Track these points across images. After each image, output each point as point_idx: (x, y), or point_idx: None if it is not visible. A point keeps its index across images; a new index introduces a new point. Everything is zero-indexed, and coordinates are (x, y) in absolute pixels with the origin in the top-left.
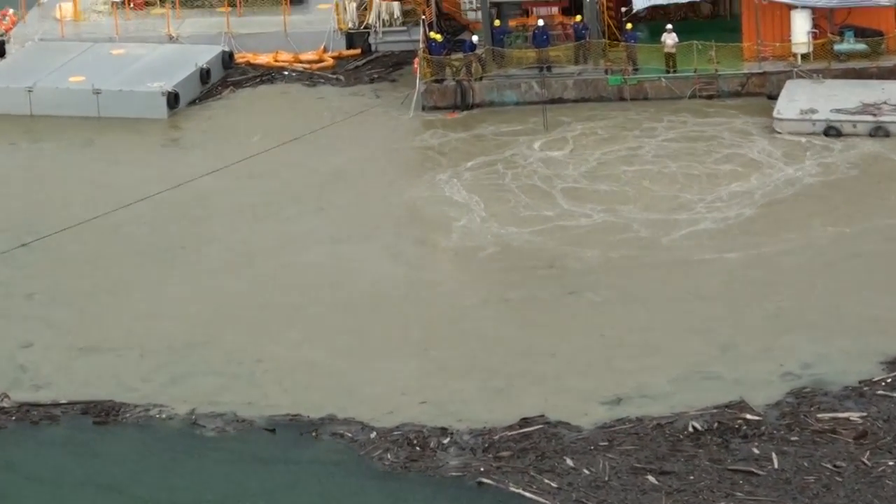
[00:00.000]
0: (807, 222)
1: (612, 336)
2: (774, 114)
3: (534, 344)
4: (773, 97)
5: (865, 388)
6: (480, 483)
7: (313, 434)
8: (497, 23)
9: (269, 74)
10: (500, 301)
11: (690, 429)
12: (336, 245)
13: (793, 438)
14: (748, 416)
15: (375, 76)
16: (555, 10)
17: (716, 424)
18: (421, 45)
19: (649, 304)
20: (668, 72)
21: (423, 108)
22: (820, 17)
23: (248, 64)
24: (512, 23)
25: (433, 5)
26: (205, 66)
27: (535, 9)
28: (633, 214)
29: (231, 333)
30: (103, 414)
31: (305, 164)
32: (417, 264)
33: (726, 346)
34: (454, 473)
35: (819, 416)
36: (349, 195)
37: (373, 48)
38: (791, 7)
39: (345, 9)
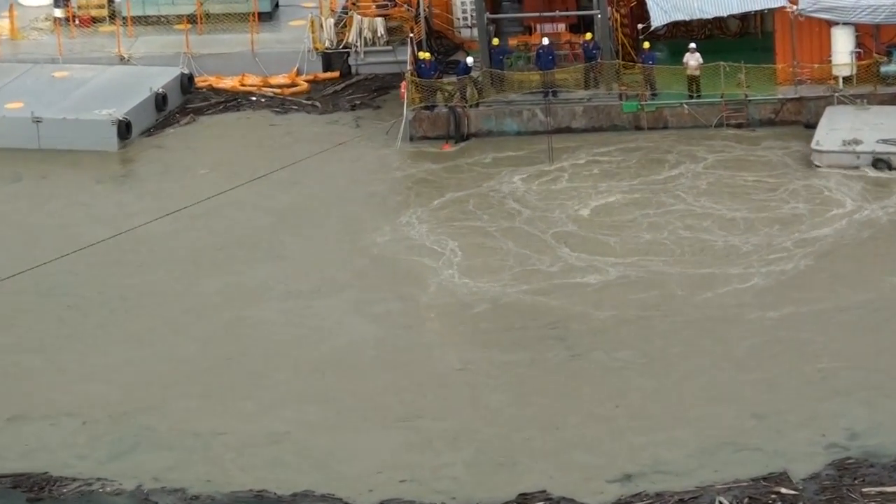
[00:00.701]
0: (866, 274)
1: (626, 405)
2: (813, 145)
3: (534, 414)
4: (812, 126)
5: None
6: None
7: None
8: (496, 41)
9: (234, 100)
10: (493, 365)
11: None
12: (297, 299)
13: None
14: (783, 491)
15: (356, 102)
16: (561, 27)
17: (746, 500)
18: (408, 67)
19: (672, 369)
20: (691, 97)
21: (411, 139)
22: (864, 35)
23: (211, 88)
24: (512, 41)
25: (422, 22)
26: (161, 90)
27: (538, 26)
28: (657, 266)
29: (180, 401)
30: (37, 488)
31: (268, 203)
32: (393, 322)
33: (760, 414)
34: None
35: (864, 490)
36: (314, 240)
37: (353, 70)
38: (832, 23)
39: (321, 26)
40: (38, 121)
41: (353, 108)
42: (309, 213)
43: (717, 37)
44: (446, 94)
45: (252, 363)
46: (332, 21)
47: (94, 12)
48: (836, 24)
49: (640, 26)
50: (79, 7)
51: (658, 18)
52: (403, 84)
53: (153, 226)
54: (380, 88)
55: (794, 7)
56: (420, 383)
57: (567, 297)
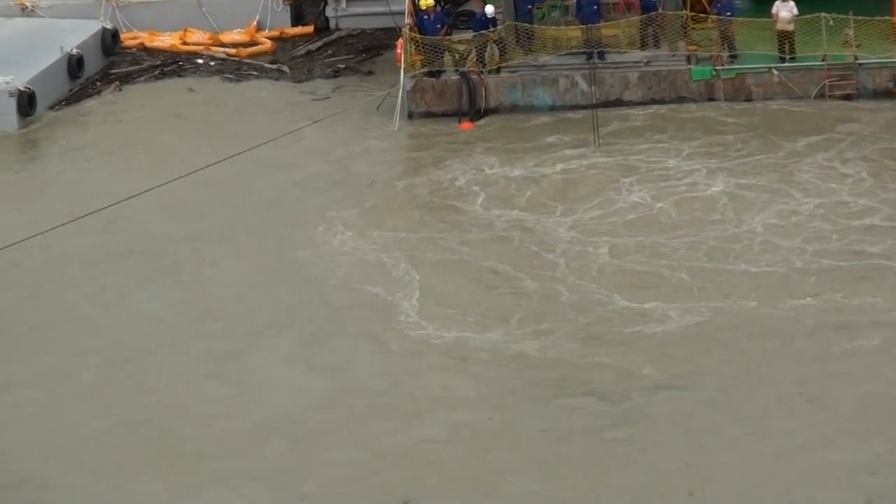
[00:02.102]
0: None
1: (700, 491)
2: None
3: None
4: None
5: None
6: None
7: None
8: None
9: (173, 64)
10: (506, 434)
11: None
12: (220, 340)
13: None
14: None
15: (338, 67)
16: None
17: None
18: (406, 21)
19: (762, 439)
20: (782, 60)
21: (410, 116)
22: None
23: (143, 48)
24: None
25: None
26: (75, 51)
27: None
28: (749, 304)
29: (66, 476)
30: None
31: (199, 207)
32: (360, 377)
33: (874, 497)
34: None
35: None
36: (247, 260)
37: (332, 25)
38: None
39: None
40: None
41: (334, 74)
42: (248, 221)
43: None
44: (457, 55)
45: (155, 443)
46: None
47: None
48: None
49: None
50: None
51: None
52: (400, 43)
53: (45, 238)
54: (368, 49)
55: None
56: (404, 459)
57: (630, 349)
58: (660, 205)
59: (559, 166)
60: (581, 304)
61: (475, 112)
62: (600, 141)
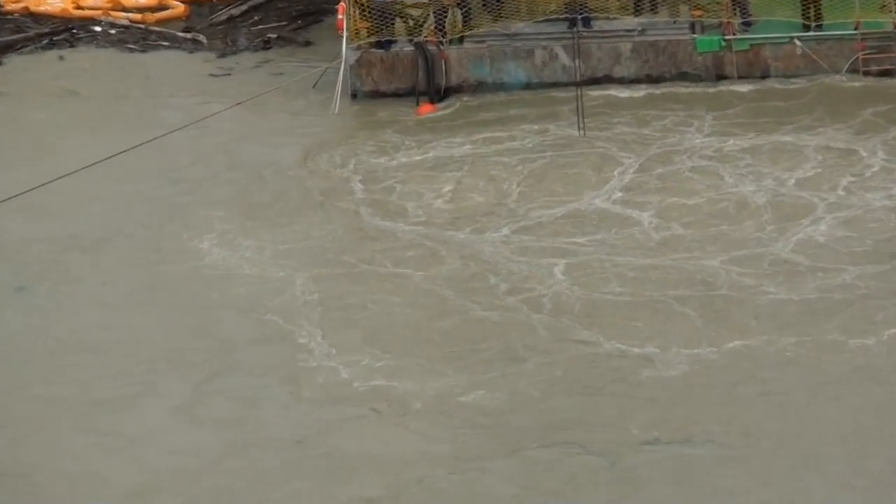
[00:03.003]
0: None
1: None
2: None
3: None
4: None
5: None
6: None
7: None
8: None
9: (66, 31)
10: (467, 498)
11: None
12: (85, 382)
13: None
14: None
15: (267, 37)
16: None
17: None
18: None
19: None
20: (806, 28)
21: (354, 97)
22: None
23: (27, 13)
24: None
25: None
26: None
27: None
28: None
29: None
30: None
31: (83, 209)
32: (267, 427)
33: None
34: None
35: None
36: (123, 276)
37: None
38: None
39: None
40: None
41: (263, 45)
42: (130, 228)
43: None
44: (411, 22)
45: (14, 496)
46: None
47: None
48: None
49: None
50: None
51: None
52: (342, 7)
53: None
54: (304, 14)
55: None
56: None
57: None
58: (657, 210)
59: (533, 159)
60: (554, 343)
61: (433, 92)
62: (585, 127)
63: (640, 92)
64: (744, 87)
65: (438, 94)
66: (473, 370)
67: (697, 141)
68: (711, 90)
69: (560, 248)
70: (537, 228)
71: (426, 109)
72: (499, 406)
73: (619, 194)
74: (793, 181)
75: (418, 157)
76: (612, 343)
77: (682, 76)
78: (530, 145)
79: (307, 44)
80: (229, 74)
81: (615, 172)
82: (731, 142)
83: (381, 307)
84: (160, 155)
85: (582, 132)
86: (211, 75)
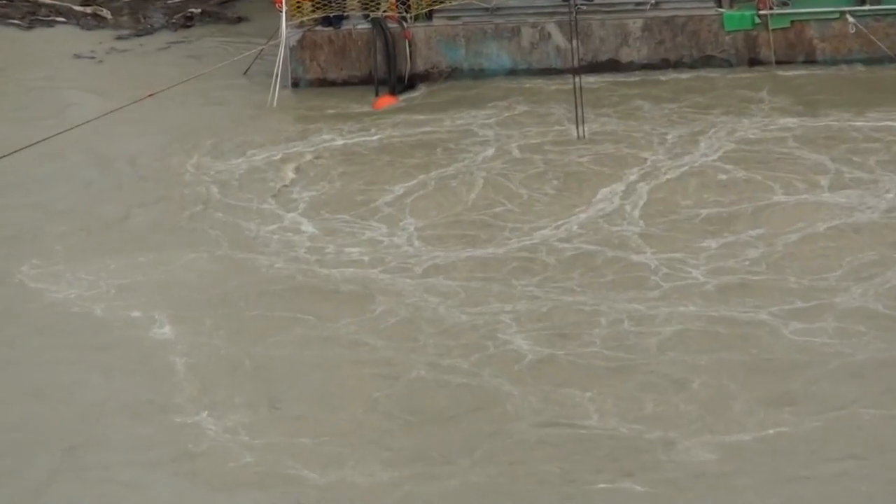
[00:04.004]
0: None
1: None
2: None
3: None
4: None
5: None
6: None
7: None
8: None
9: None
10: None
11: None
12: None
13: None
14: None
15: (192, 12)
16: None
17: None
18: None
19: None
20: (862, 2)
21: (296, 85)
22: None
23: None
24: None
25: None
26: None
27: None
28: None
29: None
30: None
31: None
32: None
33: None
34: None
35: None
36: None
37: None
38: None
39: None
40: None
41: (184, 22)
42: None
43: None
44: None
45: None
46: None
47: None
48: None
49: None
50: None
51: None
52: None
53: None
54: None
55: None
56: None
57: None
58: (668, 237)
59: (516, 168)
60: (543, 431)
61: (396, 81)
62: (585, 128)
63: (653, 81)
64: (786, 74)
65: (401, 82)
66: (418, 462)
67: (729, 146)
68: (744, 78)
69: (526, 292)
70: (507, 262)
71: (385, 102)
72: None
73: (620, 218)
74: (883, 205)
75: (357, 168)
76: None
77: (706, 61)
78: (514, 150)
79: (238, 20)
80: (168, 56)
81: (620, 187)
82: (775, 150)
83: (281, 364)
84: (36, 163)
85: (580, 133)
86: (145, 60)
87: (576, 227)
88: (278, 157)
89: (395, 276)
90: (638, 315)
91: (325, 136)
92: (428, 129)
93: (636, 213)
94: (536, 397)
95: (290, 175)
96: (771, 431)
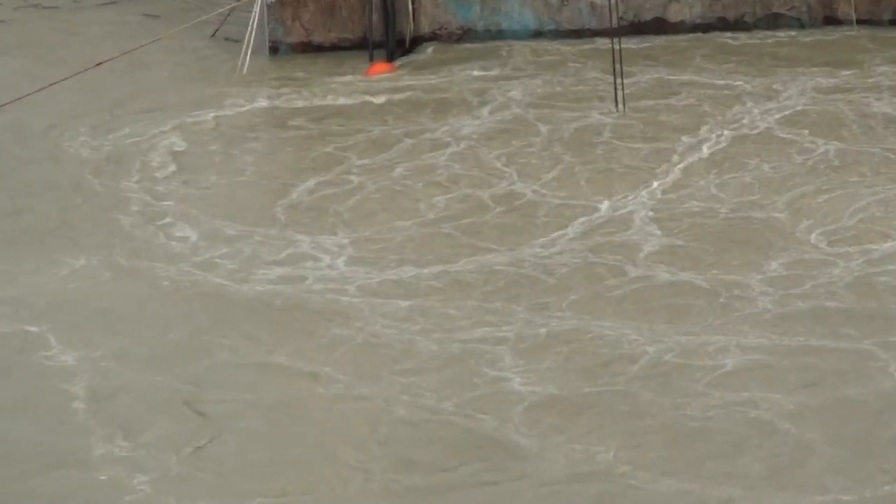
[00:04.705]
0: None
1: None
2: None
3: None
4: None
5: None
6: None
7: None
8: None
9: None
10: None
11: None
12: None
13: None
14: None
15: None
16: None
17: None
18: None
19: None
20: None
21: (274, 51)
22: None
23: None
24: None
25: None
26: None
27: None
28: None
29: None
30: None
31: None
32: None
33: None
34: None
35: None
36: None
37: None
38: None
39: None
40: None
41: None
42: None
43: None
44: None
45: None
46: None
47: None
48: None
49: None
50: None
51: None
52: None
53: None
54: None
55: None
56: None
57: None
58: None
59: (538, 151)
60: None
61: (396, 44)
62: (625, 99)
63: (708, 44)
64: (871, 34)
65: (402, 46)
66: None
67: (803, 130)
68: (823, 41)
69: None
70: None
71: (379, 69)
72: None
73: (663, 213)
74: None
75: (336, 154)
76: None
77: (773, 20)
78: (540, 128)
79: None
80: (116, 12)
81: (665, 175)
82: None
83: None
84: None
85: (620, 108)
86: (99, 21)
87: (590, 229)
88: (213, 143)
89: (339, 294)
90: (681, 346)
91: (296, 122)
92: (411, 92)
93: (660, 215)
94: (554, 451)
95: (212, 167)
96: (867, 494)
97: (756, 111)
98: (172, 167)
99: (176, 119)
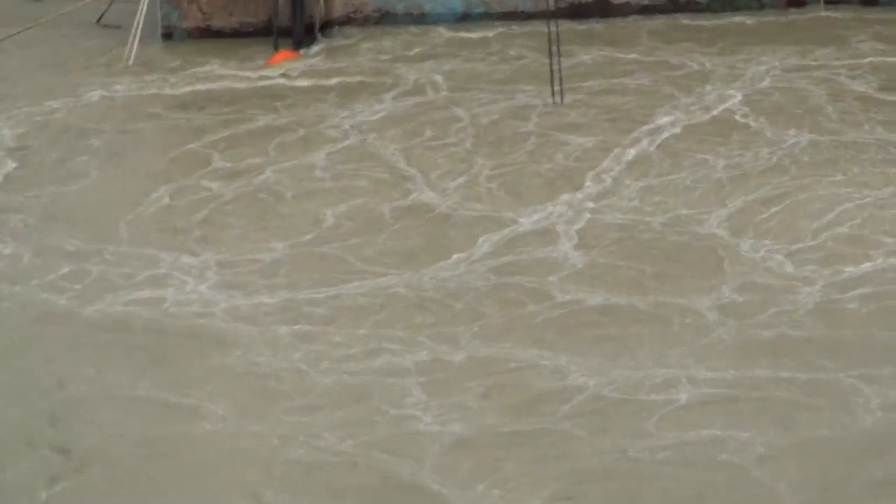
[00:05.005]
0: None
1: None
2: None
3: None
4: None
5: None
6: None
7: None
8: None
9: None
10: None
11: None
12: None
13: None
14: None
15: None
16: None
17: None
18: None
19: None
20: None
21: (168, 36)
22: None
23: None
24: None
25: None
26: None
27: None
28: None
29: None
30: None
31: None
32: None
33: None
34: None
35: None
36: None
37: None
38: None
39: None
40: None
41: None
42: None
43: None
44: None
45: None
46: None
47: None
48: None
49: None
50: None
51: None
52: None
53: None
54: None
55: None
56: None
57: None
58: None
59: (461, 145)
60: None
61: (305, 30)
62: (560, 88)
63: (655, 27)
64: (836, 15)
65: (311, 32)
66: None
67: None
68: (781, 21)
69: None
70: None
71: (281, 56)
72: None
73: (595, 225)
74: None
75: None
76: None
77: (728, 2)
78: (457, 115)
79: None
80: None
81: (605, 172)
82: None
83: None
84: None
85: (556, 97)
86: None
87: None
88: (54, 141)
89: (207, 318)
90: (623, 378)
91: (160, 111)
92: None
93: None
94: (475, 502)
95: (49, 170)
96: None
97: (715, 94)
98: (42, 187)
99: (14, 110)
